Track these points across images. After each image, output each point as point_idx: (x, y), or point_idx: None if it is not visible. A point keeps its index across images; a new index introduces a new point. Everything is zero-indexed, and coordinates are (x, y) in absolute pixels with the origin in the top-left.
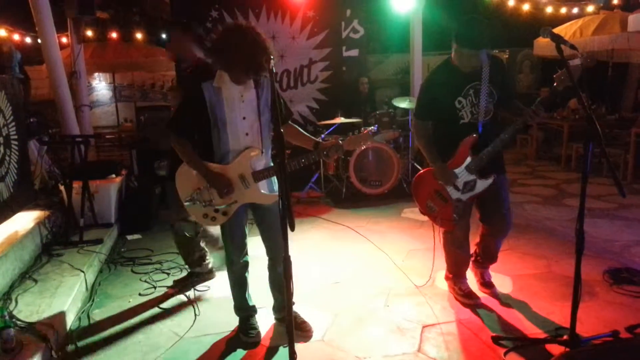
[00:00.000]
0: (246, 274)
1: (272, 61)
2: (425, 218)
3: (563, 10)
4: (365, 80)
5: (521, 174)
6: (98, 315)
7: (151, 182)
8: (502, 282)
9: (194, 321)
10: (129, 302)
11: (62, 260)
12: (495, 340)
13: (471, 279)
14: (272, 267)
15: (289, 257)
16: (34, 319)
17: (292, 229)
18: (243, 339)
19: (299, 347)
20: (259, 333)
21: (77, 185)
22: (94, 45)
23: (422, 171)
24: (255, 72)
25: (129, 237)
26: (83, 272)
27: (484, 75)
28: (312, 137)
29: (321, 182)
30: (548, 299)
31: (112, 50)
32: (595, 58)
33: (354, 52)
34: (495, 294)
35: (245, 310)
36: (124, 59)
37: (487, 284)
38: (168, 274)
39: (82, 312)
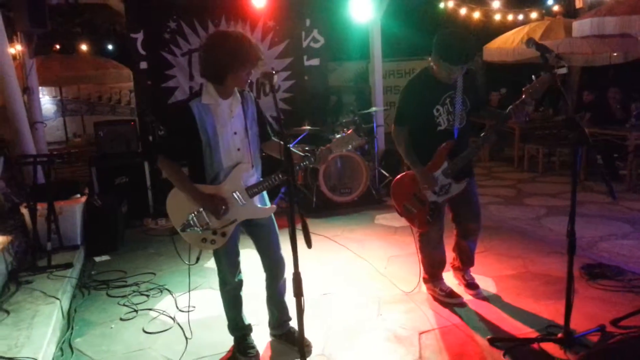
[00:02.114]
0: (240, 293)
1: (275, 76)
2: (399, 224)
3: (510, 17)
4: (334, 99)
5: (478, 176)
6: (80, 344)
7: (116, 201)
8: (485, 284)
9: (187, 344)
10: (111, 328)
11: (33, 288)
12: (492, 341)
13: (455, 283)
14: (270, 283)
15: (299, 273)
16: (13, 353)
17: (309, 246)
18: (241, 359)
19: None
20: (257, 352)
21: (40, 207)
22: (39, 59)
23: (400, 175)
24: (250, 66)
25: (97, 259)
26: (58, 299)
27: (458, 85)
28: (296, 151)
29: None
30: (532, 298)
31: (58, 63)
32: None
33: (315, 62)
34: (480, 295)
35: (241, 329)
36: (70, 72)
37: (471, 285)
38: (148, 295)
39: (63, 342)
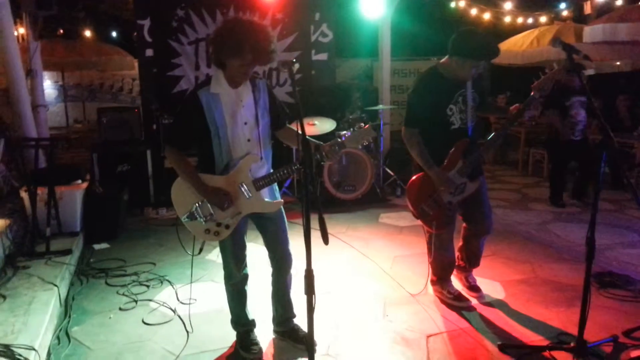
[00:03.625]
0: (245, 287)
1: (295, 64)
2: (404, 224)
3: (519, 20)
4: (357, 94)
5: None
6: (78, 333)
7: (118, 188)
8: (494, 288)
9: (188, 338)
10: (110, 317)
11: (30, 273)
12: (502, 348)
13: (457, 285)
14: (276, 278)
15: (311, 270)
16: (9, 340)
17: (326, 243)
18: (244, 355)
19: None
20: (261, 349)
21: (41, 191)
22: (42, 42)
23: (414, 177)
24: (262, 58)
25: (96, 247)
26: (56, 286)
27: (469, 81)
28: (312, 140)
29: (294, 188)
30: (542, 305)
31: (62, 48)
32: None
33: (323, 56)
34: (482, 298)
35: (244, 325)
36: (74, 57)
37: (473, 288)
38: (148, 286)
39: (60, 330)
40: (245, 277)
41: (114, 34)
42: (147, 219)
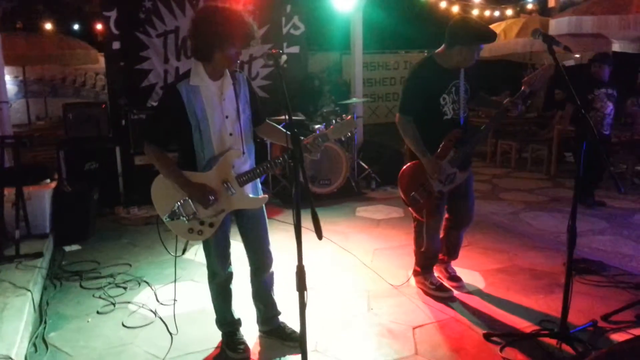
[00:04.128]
0: (230, 286)
1: (282, 55)
2: (381, 216)
3: (487, 12)
4: (317, 82)
5: None
6: (55, 339)
7: (87, 187)
8: (473, 278)
9: (172, 340)
10: (88, 321)
11: (1, 279)
12: (487, 337)
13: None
14: (255, 277)
15: (302, 266)
16: None
17: (320, 237)
18: (231, 356)
19: (293, 359)
20: (247, 348)
21: (7, 192)
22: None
23: (406, 166)
24: (240, 43)
25: (67, 249)
26: (29, 290)
27: (461, 73)
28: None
29: (269, 183)
30: (522, 292)
31: (23, 41)
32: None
33: (295, 49)
34: (463, 288)
35: (230, 324)
36: (35, 51)
37: (453, 278)
38: (125, 288)
39: (36, 337)
40: (230, 276)
41: (75, 26)
42: (119, 219)
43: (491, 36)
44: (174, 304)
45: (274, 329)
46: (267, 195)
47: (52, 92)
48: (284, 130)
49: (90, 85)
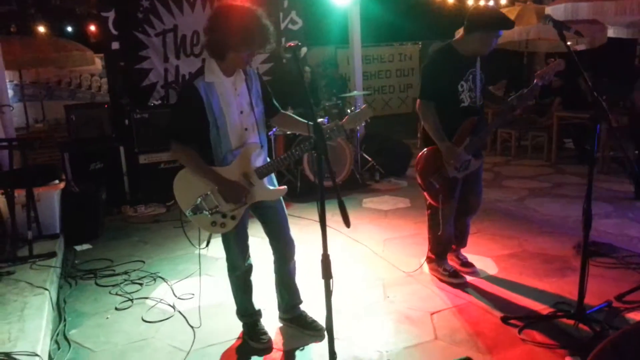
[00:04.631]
0: (250, 278)
1: (302, 48)
2: (388, 207)
3: (482, 2)
4: (307, 69)
5: None
6: (76, 336)
7: (95, 186)
8: (485, 264)
9: (194, 333)
10: (107, 318)
11: (17, 279)
12: (505, 320)
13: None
14: (280, 266)
15: (327, 255)
16: (8, 348)
17: (348, 226)
18: (254, 346)
19: (315, 347)
20: (270, 338)
21: (17, 194)
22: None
23: (424, 151)
24: (256, 47)
25: (78, 248)
26: (47, 289)
27: (478, 61)
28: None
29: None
30: (535, 276)
31: (19, 45)
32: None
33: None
34: (476, 273)
35: (251, 315)
36: (31, 55)
37: (466, 264)
38: (141, 284)
39: (58, 335)
40: (249, 268)
41: (69, 28)
42: (126, 217)
43: (509, 23)
44: (199, 295)
45: (295, 317)
46: (285, 187)
47: (48, 95)
48: (303, 120)
49: (86, 87)
